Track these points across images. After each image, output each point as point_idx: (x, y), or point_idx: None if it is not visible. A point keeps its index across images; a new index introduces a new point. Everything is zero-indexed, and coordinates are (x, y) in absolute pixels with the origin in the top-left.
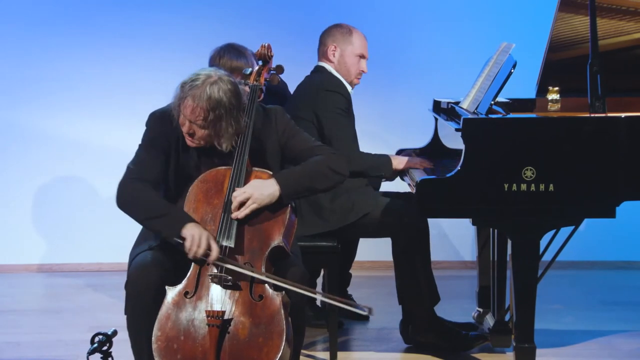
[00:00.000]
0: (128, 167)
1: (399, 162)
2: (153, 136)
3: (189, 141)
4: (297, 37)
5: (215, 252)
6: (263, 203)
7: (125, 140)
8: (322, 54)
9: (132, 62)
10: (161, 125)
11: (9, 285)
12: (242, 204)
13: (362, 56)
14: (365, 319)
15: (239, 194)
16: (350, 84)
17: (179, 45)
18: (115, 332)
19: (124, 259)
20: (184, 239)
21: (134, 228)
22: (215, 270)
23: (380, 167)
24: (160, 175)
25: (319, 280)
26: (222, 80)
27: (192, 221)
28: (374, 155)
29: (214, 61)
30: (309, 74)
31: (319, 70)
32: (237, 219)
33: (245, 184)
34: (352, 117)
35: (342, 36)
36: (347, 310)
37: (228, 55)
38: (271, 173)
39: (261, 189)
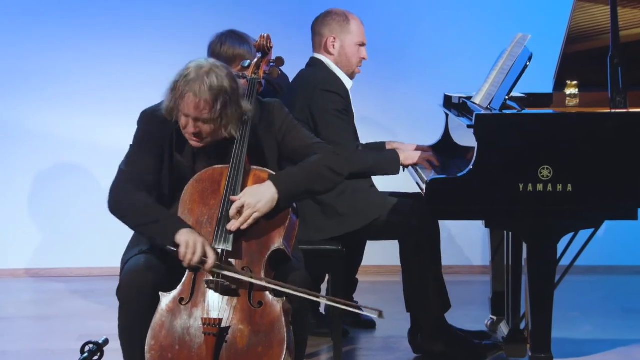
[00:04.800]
0: (120, 169)
1: (407, 157)
2: (144, 136)
3: (194, 142)
4: (298, 27)
5: (211, 259)
6: (264, 210)
7: (117, 137)
8: (319, 46)
9: (124, 55)
10: (153, 125)
11: None
12: (240, 214)
13: (362, 44)
14: (372, 326)
15: (235, 204)
16: (352, 74)
17: (173, 37)
18: (106, 341)
19: (116, 263)
20: (178, 245)
21: (127, 231)
22: (212, 277)
23: (385, 165)
24: (154, 177)
25: (324, 286)
26: (215, 67)
27: (186, 226)
28: (378, 152)
29: (214, 48)
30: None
31: (314, 65)
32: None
33: (243, 183)
34: (352, 113)
35: (339, 25)
36: (352, 318)
37: (230, 41)
38: (271, 172)
39: (258, 195)
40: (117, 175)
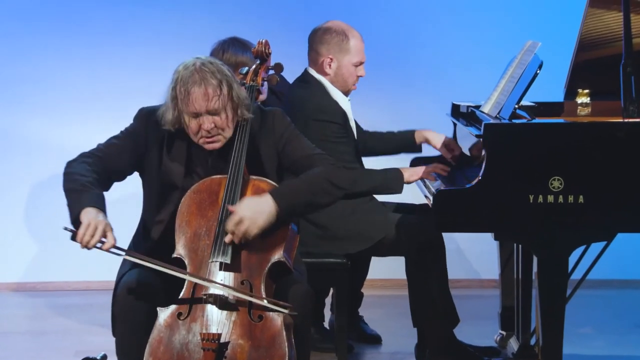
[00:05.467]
0: (97, 145)
1: (411, 175)
2: (132, 132)
3: (211, 144)
4: (298, 33)
5: (109, 242)
6: (263, 225)
7: None
8: (315, 63)
9: (121, 60)
10: (145, 125)
11: None
12: (237, 228)
13: (360, 63)
14: (377, 342)
15: (234, 219)
16: (347, 92)
17: (171, 42)
18: (104, 357)
19: (114, 276)
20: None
21: (126, 242)
22: (211, 290)
23: (389, 184)
24: (122, 169)
25: (328, 300)
26: (204, 58)
27: (94, 206)
28: (381, 171)
29: (216, 56)
30: (297, 79)
31: (308, 82)
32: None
33: (242, 193)
34: (351, 133)
35: (338, 46)
36: (357, 332)
37: (232, 49)
38: (270, 182)
39: (257, 209)
40: (92, 148)
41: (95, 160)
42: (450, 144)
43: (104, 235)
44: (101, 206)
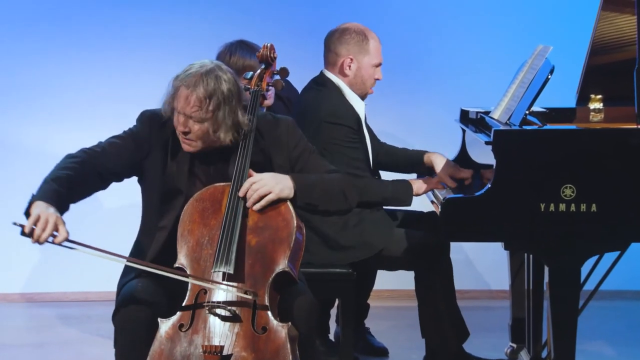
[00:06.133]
0: (99, 142)
1: (419, 187)
2: (137, 134)
3: (185, 145)
4: (303, 37)
5: (62, 235)
6: (279, 194)
7: None
8: (333, 65)
9: (121, 65)
10: (150, 127)
11: None
12: (254, 185)
13: (378, 64)
14: (384, 354)
15: (252, 178)
16: (364, 95)
17: (173, 47)
18: None
19: (113, 287)
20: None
21: (125, 253)
22: (212, 301)
23: (399, 196)
24: (117, 168)
25: (333, 311)
26: (218, 68)
27: (45, 200)
28: (391, 182)
29: (222, 59)
30: (312, 80)
31: (324, 85)
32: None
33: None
34: (363, 137)
35: (357, 46)
36: (363, 345)
37: (240, 52)
38: None
39: (277, 179)
40: (93, 144)
41: (90, 156)
42: (454, 174)
43: (56, 229)
44: (51, 200)
